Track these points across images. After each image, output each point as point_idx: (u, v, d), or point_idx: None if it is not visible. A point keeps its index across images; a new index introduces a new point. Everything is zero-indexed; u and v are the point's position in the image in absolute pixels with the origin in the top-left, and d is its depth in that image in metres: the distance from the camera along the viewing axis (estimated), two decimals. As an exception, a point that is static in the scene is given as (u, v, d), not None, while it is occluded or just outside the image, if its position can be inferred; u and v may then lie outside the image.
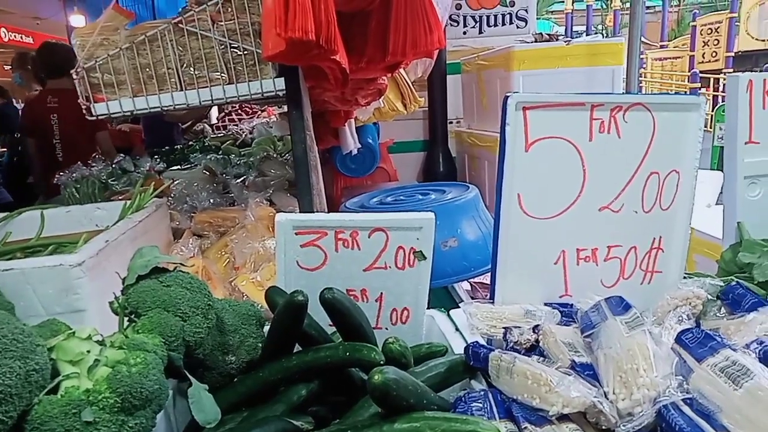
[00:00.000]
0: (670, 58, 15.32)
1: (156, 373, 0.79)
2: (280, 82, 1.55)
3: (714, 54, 14.19)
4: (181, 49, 1.55)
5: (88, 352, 0.79)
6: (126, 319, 0.93)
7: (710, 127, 8.18)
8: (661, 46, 15.85)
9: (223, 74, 1.56)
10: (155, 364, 0.80)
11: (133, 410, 0.76)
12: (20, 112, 6.31)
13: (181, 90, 1.56)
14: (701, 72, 12.61)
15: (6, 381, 0.68)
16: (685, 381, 0.72)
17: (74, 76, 1.52)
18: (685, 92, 12.50)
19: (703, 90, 12.61)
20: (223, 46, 1.54)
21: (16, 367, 0.70)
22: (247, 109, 7.10)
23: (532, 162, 1.18)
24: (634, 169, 1.22)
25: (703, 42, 14.26)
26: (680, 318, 0.91)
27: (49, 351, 0.78)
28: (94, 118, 1.55)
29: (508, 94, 1.15)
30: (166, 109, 1.58)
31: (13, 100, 8.20)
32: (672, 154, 1.22)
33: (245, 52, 1.55)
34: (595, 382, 0.78)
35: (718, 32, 14.06)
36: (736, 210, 1.31)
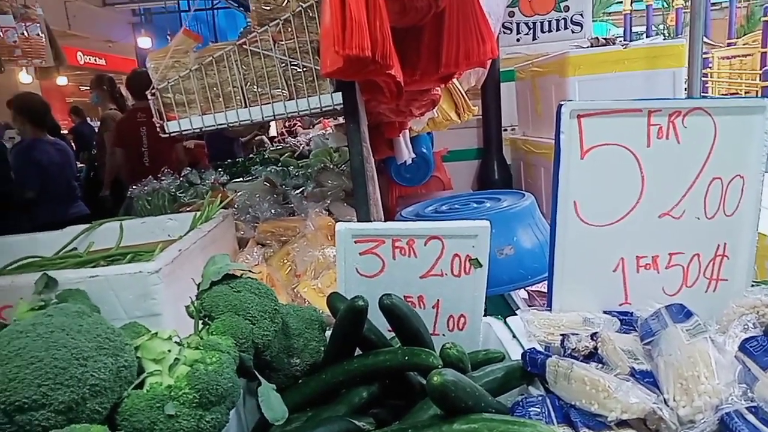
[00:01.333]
0: (739, 56, 14.53)
1: (230, 371, 0.85)
2: (338, 97, 1.61)
3: (788, 50, 13.35)
4: (245, 68, 1.64)
5: (169, 351, 0.86)
6: (201, 321, 1.01)
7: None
8: (729, 44, 15.07)
9: (284, 91, 1.64)
10: (228, 364, 0.86)
11: (209, 405, 0.82)
12: (96, 130, 6.76)
13: (246, 107, 1.66)
14: (775, 69, 11.89)
15: (101, 375, 0.76)
16: (749, 389, 0.71)
17: (149, 97, 1.64)
18: (756, 91, 11.82)
19: (777, 88, 11.90)
20: (283, 64, 1.63)
21: (109, 363, 0.78)
22: (304, 122, 7.30)
23: (588, 169, 1.18)
24: (695, 175, 1.20)
25: (776, 37, 13.45)
26: (745, 326, 0.89)
27: (135, 350, 0.86)
28: (167, 135, 1.67)
29: (561, 103, 1.15)
30: (231, 125, 1.68)
31: (88, 119, 8.76)
32: (735, 159, 1.19)
33: (304, 69, 1.63)
34: (655, 389, 0.78)
35: (792, 26, 13.22)
36: (809, 215, 1.26)
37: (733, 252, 1.23)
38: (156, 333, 0.88)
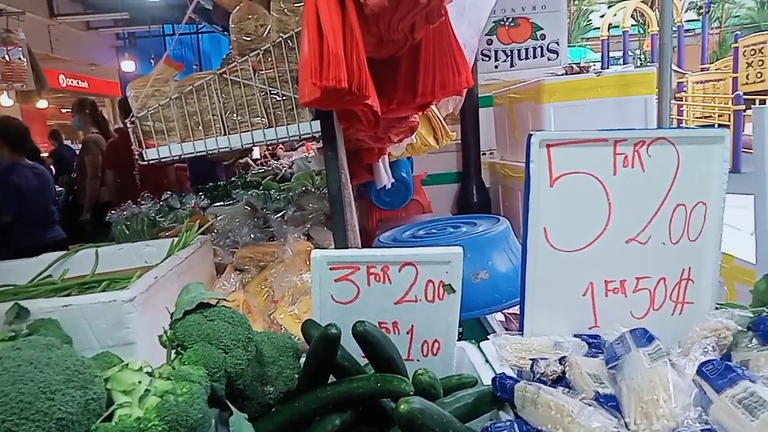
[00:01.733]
0: (712, 81, 14.98)
1: (200, 402, 0.86)
2: (316, 125, 1.64)
3: (759, 75, 13.80)
4: (225, 96, 1.67)
5: (140, 382, 0.86)
6: (173, 351, 1.01)
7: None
8: (702, 69, 15.53)
9: (263, 119, 1.67)
10: (200, 394, 0.86)
11: (179, 437, 0.82)
12: (77, 153, 6.71)
13: (225, 134, 1.68)
14: (746, 94, 12.28)
15: (68, 409, 0.75)
16: (704, 412, 0.73)
17: (128, 125, 1.65)
18: (729, 115, 12.15)
19: (748, 112, 12.26)
20: (263, 93, 1.65)
21: (77, 396, 0.78)
22: (286, 145, 7.33)
23: (557, 197, 1.22)
24: (660, 202, 1.24)
25: (747, 63, 13.90)
26: (705, 349, 0.92)
27: (105, 381, 0.86)
28: (146, 162, 1.68)
29: (531, 133, 1.19)
30: (211, 152, 1.70)
31: (69, 142, 8.70)
32: (698, 186, 1.24)
33: (284, 98, 1.66)
34: (617, 413, 0.80)
35: (762, 53, 13.69)
36: (769, 240, 1.31)
37: (697, 275, 1.27)
38: (127, 364, 0.88)
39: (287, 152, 7.61)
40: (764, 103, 12.20)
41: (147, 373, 0.90)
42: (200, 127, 1.67)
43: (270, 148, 7.84)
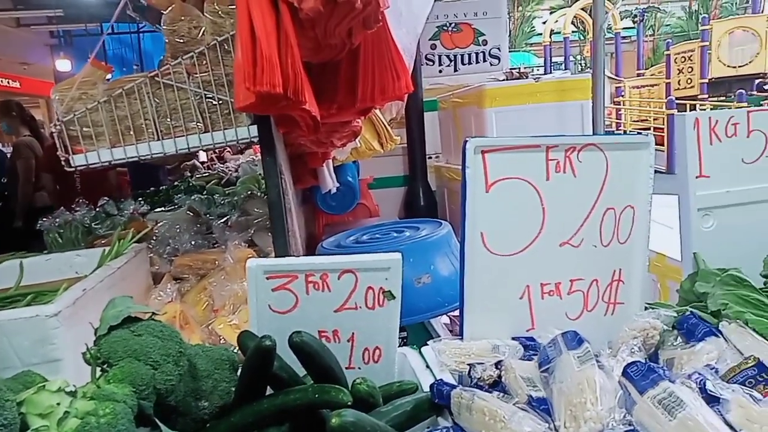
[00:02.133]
0: (647, 86, 15.68)
1: (125, 422, 0.82)
2: (254, 130, 1.61)
3: (689, 81, 14.53)
4: (157, 100, 1.61)
5: (58, 404, 0.82)
6: (98, 369, 0.96)
7: (688, 153, 8.31)
8: (638, 75, 16.25)
9: (199, 123, 1.62)
10: (124, 414, 0.82)
11: (101, 461, 0.78)
12: (7, 156, 6.35)
13: (159, 140, 1.62)
14: (678, 98, 12.91)
15: (-25, 437, 0.70)
16: (628, 413, 0.76)
17: (53, 129, 1.57)
18: (663, 119, 12.74)
19: (681, 116, 12.87)
20: (198, 97, 1.61)
21: (-16, 423, 0.72)
22: (234, 148, 7.17)
23: (493, 202, 1.23)
24: (591, 206, 1.28)
25: (678, 69, 14.63)
26: (632, 350, 0.95)
27: (19, 405, 0.81)
28: (73, 169, 1.60)
29: (466, 139, 1.21)
30: (143, 158, 1.63)
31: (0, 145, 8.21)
32: (626, 191, 1.28)
33: (220, 102, 1.61)
34: (548, 417, 0.81)
35: (691, 60, 14.43)
36: (692, 241, 1.37)
37: (627, 276, 1.32)
38: (44, 385, 0.83)
39: (234, 155, 7.44)
40: (694, 108, 12.88)
41: (68, 393, 0.86)
42: (131, 132, 1.60)
43: (217, 151, 7.65)
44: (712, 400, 0.73)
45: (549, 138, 1.25)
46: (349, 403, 0.95)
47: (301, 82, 1.31)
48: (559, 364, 0.90)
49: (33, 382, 0.97)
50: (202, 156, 7.73)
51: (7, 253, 1.85)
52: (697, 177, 1.36)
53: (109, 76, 1.73)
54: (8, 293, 1.55)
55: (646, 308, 1.30)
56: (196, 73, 1.60)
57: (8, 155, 6.47)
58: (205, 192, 4.03)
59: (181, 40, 1.59)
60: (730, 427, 0.70)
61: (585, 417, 0.75)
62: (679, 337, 1.09)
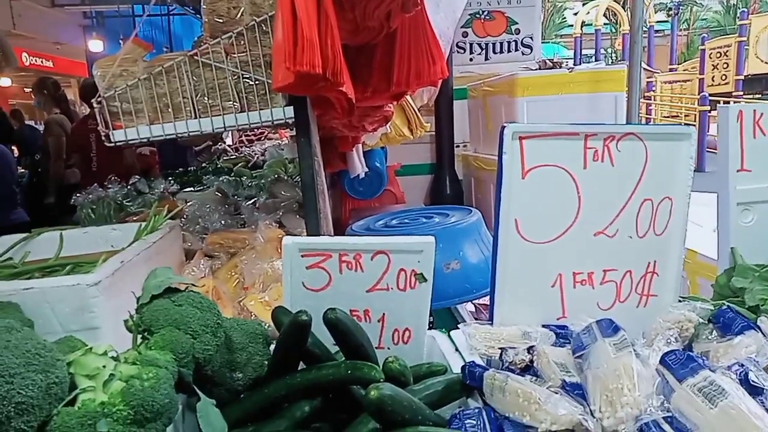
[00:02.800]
0: (679, 81, 15.36)
1: (167, 387, 0.84)
2: (290, 111, 1.62)
3: (723, 77, 14.21)
4: (195, 79, 1.63)
5: (104, 367, 0.84)
6: (140, 336, 0.99)
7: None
8: (671, 69, 15.90)
9: (235, 103, 1.64)
10: (166, 379, 0.85)
11: (144, 423, 0.81)
12: (41, 133, 6.49)
13: (196, 118, 1.64)
14: (711, 95, 12.64)
15: (29, 393, 0.73)
16: (666, 400, 0.75)
17: (94, 105, 1.60)
18: (695, 115, 12.48)
19: (713, 112, 12.63)
20: (235, 77, 1.62)
21: (38, 380, 0.75)
22: (261, 132, 7.22)
23: (528, 189, 1.23)
24: (628, 196, 1.26)
25: (713, 65, 14.30)
26: (668, 340, 0.95)
27: (68, 365, 0.84)
28: (113, 144, 1.63)
29: (504, 125, 1.20)
30: (180, 136, 1.66)
31: (32, 122, 8.39)
32: (664, 182, 1.27)
33: (257, 83, 1.63)
34: (583, 401, 0.81)
35: (727, 56, 14.10)
36: (730, 236, 1.35)
37: (662, 269, 1.30)
38: (90, 348, 0.86)
39: (259, 140, 7.48)
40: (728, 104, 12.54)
41: (112, 357, 0.88)
42: (170, 110, 1.63)
43: (242, 134, 7.71)
44: (753, 391, 0.73)
45: (588, 126, 1.23)
46: (382, 380, 0.96)
47: (340, 63, 1.32)
48: (594, 350, 0.89)
49: (75, 346, 1.01)
50: (228, 140, 7.79)
51: (38, 228, 1.90)
52: (738, 171, 1.33)
53: (145, 54, 1.75)
54: (49, 263, 1.60)
55: (679, 302, 1.28)
56: (234, 53, 1.62)
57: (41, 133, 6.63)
58: (232, 174, 4.08)
59: (220, 20, 1.61)
60: (773, 418, 0.70)
61: (622, 402, 0.75)
62: (714, 331, 1.08)
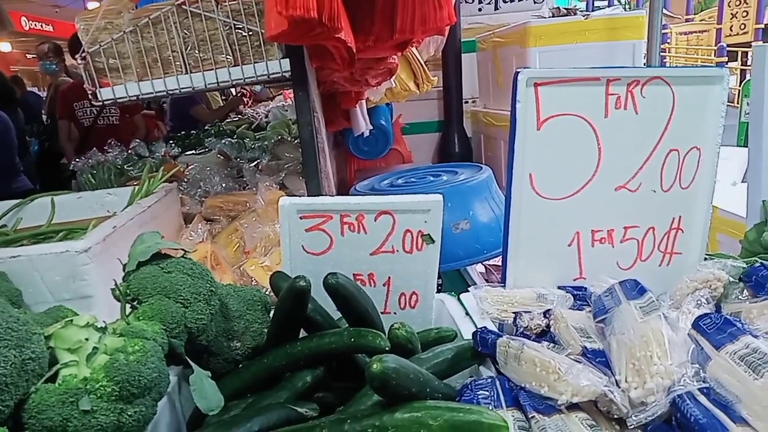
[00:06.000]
0: (695, 32, 14.84)
1: (155, 360, 0.78)
2: (286, 64, 1.52)
3: (743, 26, 13.69)
4: (185, 31, 1.52)
5: (87, 339, 0.78)
6: (128, 306, 0.92)
7: (737, 103, 7.92)
8: (687, 20, 15.34)
9: (228, 56, 1.54)
10: (154, 352, 0.78)
11: (131, 398, 0.75)
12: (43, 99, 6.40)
13: (186, 73, 1.54)
14: (729, 45, 12.20)
15: (1, 370, 0.67)
16: (702, 369, 0.68)
17: (78, 61, 1.50)
18: (712, 66, 12.08)
19: (731, 64, 12.22)
20: (227, 27, 1.52)
21: (11, 356, 0.69)
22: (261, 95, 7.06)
23: (544, 140, 1.14)
24: (653, 147, 1.17)
25: (731, 14, 13.76)
26: (699, 302, 0.87)
27: (48, 339, 0.78)
28: (100, 103, 1.54)
29: (518, 70, 1.10)
30: (171, 92, 1.56)
31: (35, 89, 8.28)
32: (693, 130, 1.16)
33: (250, 33, 1.52)
34: (607, 370, 0.74)
35: (747, 3, 13.54)
36: (762, 188, 1.25)
37: (687, 225, 1.21)
38: (71, 320, 0.80)
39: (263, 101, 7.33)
40: (746, 56, 12.15)
41: (96, 329, 0.82)
42: (159, 65, 1.53)
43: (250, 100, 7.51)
44: (800, 358, 0.65)
45: (610, 70, 1.13)
46: (387, 349, 0.90)
47: (338, 7, 1.21)
48: (617, 314, 0.82)
49: (65, 316, 0.95)
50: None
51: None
52: (772, 117, 1.23)
53: (131, 6, 1.64)
54: (40, 230, 1.54)
55: (705, 260, 1.20)
56: (225, 2, 1.51)
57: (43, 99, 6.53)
58: (235, 136, 3.98)
59: (209, -35, 1.49)
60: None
61: (651, 372, 0.68)
62: (746, 290, 1.00)
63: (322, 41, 1.34)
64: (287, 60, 1.53)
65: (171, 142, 3.72)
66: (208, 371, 0.90)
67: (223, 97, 6.45)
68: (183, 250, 1.00)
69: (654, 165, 1.17)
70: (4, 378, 0.68)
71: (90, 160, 3.00)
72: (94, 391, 0.73)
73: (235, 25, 1.51)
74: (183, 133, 4.53)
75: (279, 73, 1.54)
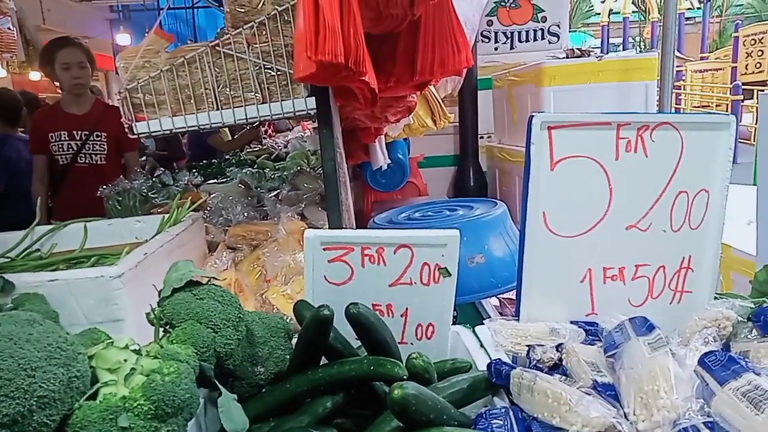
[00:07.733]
0: (710, 70, 14.92)
1: (188, 382, 0.83)
2: (312, 102, 1.60)
3: (758, 65, 13.76)
4: (217, 70, 1.62)
5: (125, 360, 0.84)
6: (161, 329, 0.98)
7: (753, 140, 7.92)
8: (702, 58, 15.46)
9: (257, 94, 1.62)
10: (187, 374, 0.84)
11: (165, 417, 0.80)
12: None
13: (217, 109, 1.63)
14: (744, 84, 12.25)
15: (50, 387, 0.73)
16: (706, 404, 0.71)
17: (117, 97, 1.60)
18: (726, 105, 12.13)
19: (747, 102, 12.25)
20: (257, 68, 1.61)
21: (59, 373, 0.75)
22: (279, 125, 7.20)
23: (557, 180, 1.19)
24: (662, 188, 1.21)
25: (746, 53, 13.85)
26: (706, 340, 0.90)
27: (89, 359, 0.83)
28: (136, 136, 1.64)
29: (532, 114, 1.16)
30: (203, 127, 1.65)
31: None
32: (701, 174, 1.21)
33: (278, 73, 1.61)
34: (616, 403, 0.78)
35: (762, 43, 13.64)
36: (770, 229, 1.29)
37: (697, 264, 1.25)
38: (112, 342, 0.86)
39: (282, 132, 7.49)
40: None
41: (133, 351, 0.88)
42: (192, 101, 1.62)
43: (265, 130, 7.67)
44: (801, 396, 0.68)
45: (620, 115, 1.19)
46: (405, 377, 0.94)
47: (363, 52, 1.29)
48: (627, 349, 0.86)
49: (99, 339, 1.01)
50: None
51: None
52: (780, 161, 1.27)
53: (167, 46, 1.75)
54: (74, 254, 1.61)
55: (715, 299, 1.23)
56: (256, 44, 1.60)
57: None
58: (255, 166, 4.09)
59: (242, 10, 1.59)
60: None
61: (658, 405, 0.72)
62: (754, 330, 1.03)
63: (347, 83, 1.42)
64: (312, 98, 1.61)
65: (194, 170, 3.83)
66: (234, 394, 0.95)
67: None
68: (214, 278, 1.06)
69: (664, 206, 1.21)
70: (53, 394, 0.73)
71: (116, 188, 3.10)
72: (132, 409, 0.78)
73: (264, 65, 1.60)
74: (204, 162, 4.66)
75: (305, 110, 1.63)
